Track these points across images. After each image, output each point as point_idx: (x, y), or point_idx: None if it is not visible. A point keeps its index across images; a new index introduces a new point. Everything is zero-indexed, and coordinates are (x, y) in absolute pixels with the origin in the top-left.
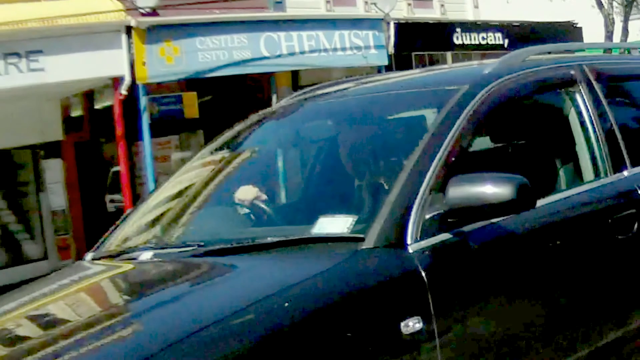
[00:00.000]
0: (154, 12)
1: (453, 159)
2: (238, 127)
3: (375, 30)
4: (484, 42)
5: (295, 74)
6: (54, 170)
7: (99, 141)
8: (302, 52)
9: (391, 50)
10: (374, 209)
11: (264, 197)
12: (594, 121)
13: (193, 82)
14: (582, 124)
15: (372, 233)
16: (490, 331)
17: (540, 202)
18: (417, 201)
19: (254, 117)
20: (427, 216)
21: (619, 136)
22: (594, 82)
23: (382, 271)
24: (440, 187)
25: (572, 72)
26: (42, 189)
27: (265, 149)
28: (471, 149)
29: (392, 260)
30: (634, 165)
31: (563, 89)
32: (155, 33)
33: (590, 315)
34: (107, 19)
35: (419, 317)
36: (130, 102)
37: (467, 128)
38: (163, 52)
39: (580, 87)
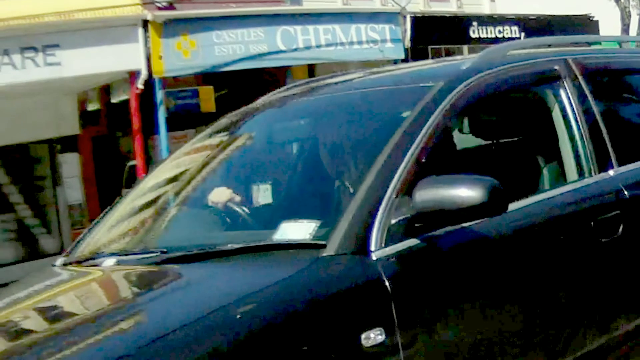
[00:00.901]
0: (170, 6)
1: (424, 160)
2: (212, 128)
3: (392, 23)
4: (500, 36)
5: (311, 68)
6: (70, 164)
7: (115, 135)
8: (319, 46)
9: (407, 43)
10: (337, 213)
11: (238, 198)
12: (578, 118)
13: (209, 76)
14: (566, 121)
15: (334, 239)
16: (461, 343)
17: (517, 204)
18: (382, 205)
19: (229, 117)
20: (394, 221)
21: (605, 134)
22: (580, 77)
23: (342, 280)
24: (409, 190)
25: (556, 66)
26: (58, 183)
27: (240, 149)
28: (447, 149)
29: (353, 269)
30: (622, 163)
31: (546, 85)
32: (172, 27)
33: (571, 323)
34: (124, 13)
35: (382, 329)
36: (146, 96)
37: (441, 127)
38: (179, 46)
39: (565, 82)
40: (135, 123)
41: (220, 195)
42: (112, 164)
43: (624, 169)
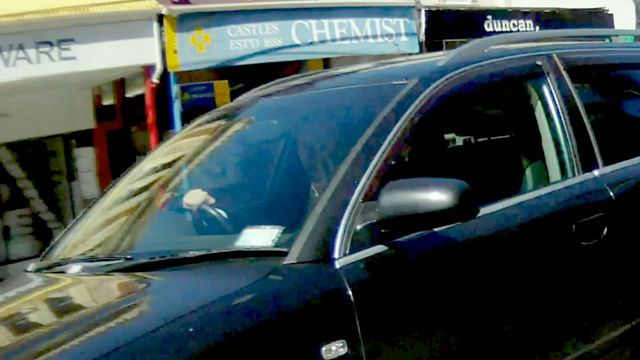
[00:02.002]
0: (185, 0)
1: (393, 162)
2: (188, 128)
3: (406, 17)
4: (515, 29)
5: (326, 62)
6: (85, 158)
7: (130, 130)
8: (334, 40)
9: (422, 37)
10: (302, 219)
11: (212, 201)
12: (561, 115)
13: (224, 71)
14: (549, 118)
15: (296, 247)
16: (429, 356)
17: (493, 207)
18: (347, 210)
19: (203, 118)
20: (359, 227)
21: (590, 132)
22: (564, 73)
23: (301, 290)
24: (377, 193)
25: (539, 62)
26: (74, 177)
27: (212, 150)
28: (422, 149)
29: (314, 278)
30: (608, 163)
31: (528, 81)
32: (187, 21)
33: (550, 332)
34: (139, 7)
35: (344, 341)
36: (161, 91)
37: (413, 127)
38: (194, 40)
39: (548, 78)
40: (151, 117)
41: (194, 197)
42: (127, 159)
43: (610, 168)
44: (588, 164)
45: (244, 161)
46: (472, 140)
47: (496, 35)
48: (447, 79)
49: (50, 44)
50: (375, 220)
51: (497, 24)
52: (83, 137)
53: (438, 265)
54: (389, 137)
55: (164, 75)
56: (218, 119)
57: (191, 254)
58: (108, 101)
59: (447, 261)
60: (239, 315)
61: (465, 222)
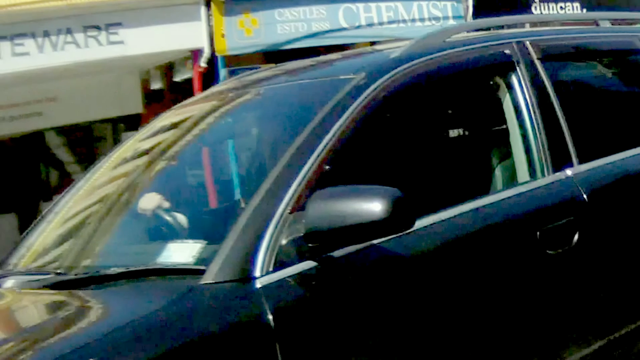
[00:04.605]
0: None
1: (330, 167)
2: (148, 128)
3: (454, 0)
4: (561, 12)
5: (373, 45)
6: None
7: None
8: (381, 23)
9: (469, 20)
10: (223, 233)
11: (167, 205)
12: (531, 110)
13: (272, 54)
14: (517, 113)
15: (215, 264)
16: None
17: (443, 215)
18: (272, 223)
19: (157, 119)
20: (285, 241)
21: (564, 127)
22: (537, 62)
23: (215, 314)
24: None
25: (508, 51)
26: None
27: (161, 153)
28: (365, 153)
29: (230, 300)
30: (584, 160)
31: (495, 72)
32: (234, 5)
33: (508, 353)
34: None
35: None
36: (209, 75)
37: (355, 128)
38: (242, 24)
39: (518, 68)
40: None
41: (148, 201)
42: None
43: (585, 167)
44: (560, 162)
45: (186, 166)
46: (430, 140)
47: (462, 22)
48: (397, 73)
49: (98, 28)
50: (302, 234)
51: (544, 6)
52: (131, 122)
53: (377, 282)
54: (326, 139)
55: (212, 60)
56: (173, 118)
57: (112, 271)
58: (156, 85)
59: (387, 278)
60: (146, 343)
61: (406, 233)
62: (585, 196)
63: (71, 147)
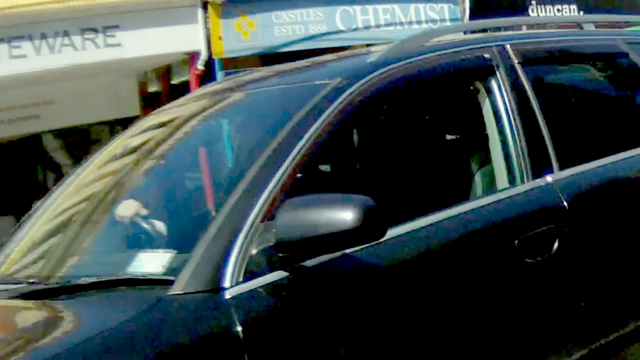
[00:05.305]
0: None
1: (302, 174)
2: (129, 131)
3: (451, 3)
4: (558, 15)
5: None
6: None
7: None
8: (378, 26)
9: None
10: (193, 243)
11: (144, 212)
12: (511, 115)
13: (269, 57)
14: (497, 118)
15: (184, 274)
16: None
17: (417, 224)
18: (242, 232)
19: (138, 123)
20: (255, 251)
21: (545, 133)
22: (517, 66)
23: (182, 326)
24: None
25: (487, 55)
26: None
27: (138, 160)
28: (339, 161)
29: (198, 311)
30: (565, 166)
31: (474, 77)
32: (231, 7)
33: None
34: None
35: None
36: (206, 77)
37: (329, 135)
38: (239, 27)
39: (498, 73)
40: None
41: (126, 209)
42: None
43: (566, 173)
44: (540, 168)
45: (161, 173)
46: (407, 146)
47: (442, 26)
48: (373, 78)
49: (96, 30)
50: (272, 243)
51: (541, 9)
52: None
53: (349, 292)
54: (298, 145)
55: (209, 62)
56: (151, 123)
57: (82, 280)
58: (153, 88)
59: (360, 288)
60: (116, 354)
61: (380, 242)
62: (565, 203)
63: (68, 150)
